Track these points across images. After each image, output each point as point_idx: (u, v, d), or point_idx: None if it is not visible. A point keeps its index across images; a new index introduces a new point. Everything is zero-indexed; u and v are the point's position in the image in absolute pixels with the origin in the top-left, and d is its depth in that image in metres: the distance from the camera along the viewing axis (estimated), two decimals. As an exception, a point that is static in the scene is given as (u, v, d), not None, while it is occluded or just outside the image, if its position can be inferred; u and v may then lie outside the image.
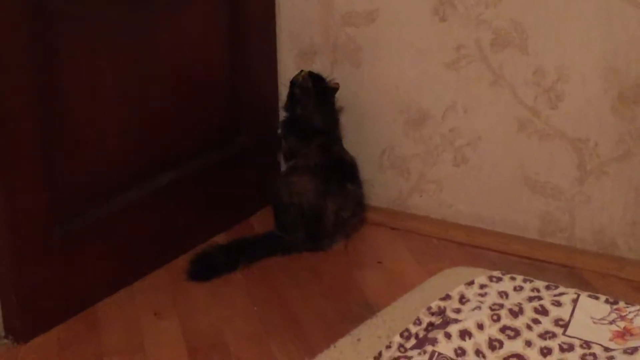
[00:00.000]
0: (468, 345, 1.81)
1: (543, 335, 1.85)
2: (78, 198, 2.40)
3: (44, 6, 2.19)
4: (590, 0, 2.46)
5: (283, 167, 3.00)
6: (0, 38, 2.08)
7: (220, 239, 2.82)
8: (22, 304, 2.27)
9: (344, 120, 2.92)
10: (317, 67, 2.89)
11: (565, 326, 1.88)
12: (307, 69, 2.84)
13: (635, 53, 2.45)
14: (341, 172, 2.78)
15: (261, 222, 2.94)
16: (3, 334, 2.27)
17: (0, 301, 2.26)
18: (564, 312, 1.92)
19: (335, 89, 2.80)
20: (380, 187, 2.95)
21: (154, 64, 2.55)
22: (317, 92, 2.77)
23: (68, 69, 2.31)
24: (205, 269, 2.61)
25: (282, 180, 2.83)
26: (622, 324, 1.89)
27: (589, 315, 1.92)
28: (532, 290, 2.01)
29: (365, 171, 2.94)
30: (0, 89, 2.11)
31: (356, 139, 2.93)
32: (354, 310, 2.37)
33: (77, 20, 2.31)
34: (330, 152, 2.78)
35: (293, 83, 2.81)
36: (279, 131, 2.91)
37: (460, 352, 1.80)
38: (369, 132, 2.92)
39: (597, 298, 1.98)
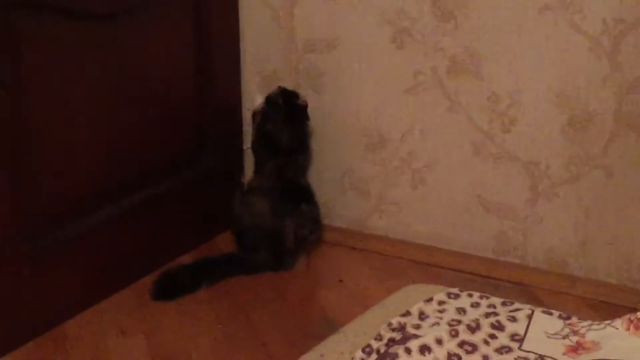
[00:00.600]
0: (428, 359, 1.81)
1: (500, 350, 1.85)
2: (49, 216, 2.39)
3: (11, 25, 2.18)
4: (541, 28, 2.49)
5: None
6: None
7: (187, 258, 2.80)
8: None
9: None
10: (279, 92, 2.88)
11: (521, 341, 1.88)
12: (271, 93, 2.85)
13: (584, 79, 2.48)
14: (296, 194, 2.78)
15: (227, 241, 2.92)
16: (-27, 351, 2.25)
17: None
18: (519, 327, 1.92)
19: (303, 106, 2.78)
20: (341, 208, 2.96)
21: (121, 85, 2.55)
22: (286, 108, 2.76)
23: (37, 87, 2.30)
24: (168, 289, 2.60)
25: (241, 201, 2.81)
26: (574, 339, 1.90)
27: (543, 330, 1.92)
28: (489, 306, 2.01)
29: (327, 193, 2.95)
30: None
31: (318, 161, 2.93)
32: (317, 327, 2.37)
33: (45, 40, 2.30)
34: (284, 176, 2.77)
35: (267, 98, 2.79)
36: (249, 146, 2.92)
37: (420, 366, 1.80)
38: (331, 155, 2.92)
39: (550, 314, 1.98)
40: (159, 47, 2.67)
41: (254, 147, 2.87)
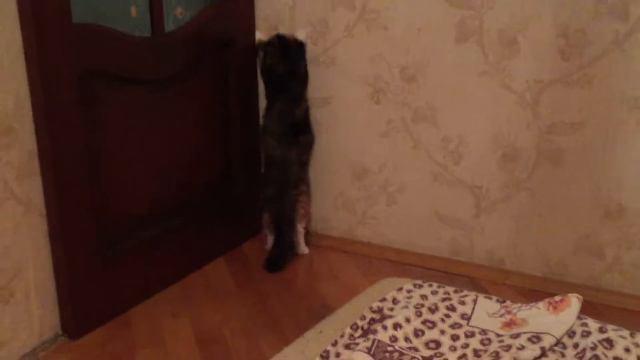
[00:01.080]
0: (399, 334, 1.82)
1: (453, 326, 1.86)
2: (117, 231, 2.39)
3: (92, 92, 2.20)
4: (480, 87, 2.51)
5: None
6: (61, 113, 2.10)
7: (220, 262, 2.79)
8: (75, 310, 2.24)
9: (310, 174, 2.91)
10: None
11: (468, 319, 1.89)
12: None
13: (513, 124, 2.49)
14: (295, 130, 2.73)
15: (250, 248, 2.92)
16: (60, 332, 2.25)
17: (59, 307, 2.24)
18: (467, 309, 1.93)
19: (291, 40, 2.68)
20: (335, 221, 2.95)
21: (169, 132, 2.55)
22: (280, 47, 2.68)
23: (109, 133, 2.31)
24: (275, 265, 2.71)
25: (262, 143, 2.82)
26: (508, 317, 1.91)
27: (485, 311, 1.93)
28: (444, 293, 2.02)
29: (324, 210, 2.94)
30: (60, 151, 2.11)
31: (317, 187, 2.93)
32: (318, 311, 2.36)
33: (117, 103, 2.32)
34: (285, 118, 2.71)
35: (267, 41, 2.72)
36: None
37: (394, 339, 1.80)
38: (327, 182, 2.92)
39: (490, 298, 1.99)
40: (196, 105, 2.67)
41: (262, 76, 2.80)
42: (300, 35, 2.71)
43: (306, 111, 2.78)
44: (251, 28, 2.83)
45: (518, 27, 2.39)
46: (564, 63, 2.35)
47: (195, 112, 2.67)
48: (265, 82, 2.78)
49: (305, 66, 2.75)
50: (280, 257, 2.74)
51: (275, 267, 2.71)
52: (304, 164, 2.80)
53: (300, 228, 2.83)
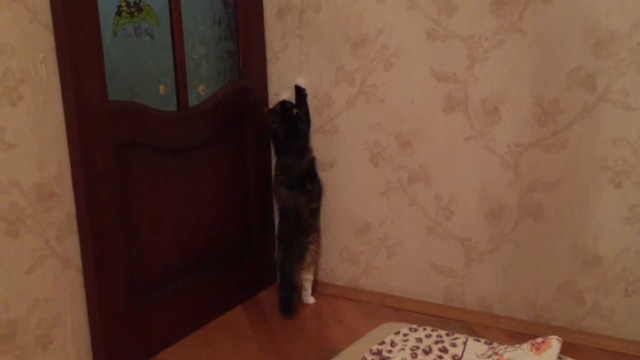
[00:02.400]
0: (397, 374, 1.80)
1: (445, 366, 1.84)
2: (146, 282, 2.40)
3: (125, 160, 2.24)
4: (467, 151, 2.53)
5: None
6: (97, 179, 2.13)
7: (238, 310, 2.78)
8: (107, 355, 2.24)
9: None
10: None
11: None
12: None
13: (497, 183, 2.50)
14: (302, 180, 2.71)
15: (265, 296, 2.91)
16: (94, 375, 2.25)
17: (92, 353, 2.23)
18: (458, 350, 1.90)
19: (290, 108, 2.69)
20: (341, 272, 2.94)
21: (193, 194, 2.57)
22: (282, 113, 2.68)
23: (140, 199, 2.33)
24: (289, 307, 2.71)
25: (274, 193, 2.82)
26: (495, 358, 1.88)
27: (474, 352, 1.90)
28: (437, 336, 1.99)
29: (330, 262, 2.93)
30: (96, 212, 2.14)
31: (324, 241, 2.92)
32: (326, 352, 2.35)
33: (147, 169, 2.35)
34: (293, 171, 2.71)
35: (272, 109, 2.74)
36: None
37: (392, 378, 1.79)
38: (332, 237, 2.92)
39: (479, 340, 1.97)
40: (218, 168, 2.70)
41: (270, 137, 2.82)
42: (299, 82, 2.74)
43: (311, 162, 2.76)
44: (264, 101, 2.89)
45: (499, 98, 2.42)
46: (540, 129, 2.38)
47: (217, 173, 2.70)
48: (272, 142, 2.82)
49: (306, 114, 2.76)
50: (290, 301, 2.70)
51: (289, 310, 2.68)
52: (314, 211, 2.75)
53: (308, 276, 2.80)
